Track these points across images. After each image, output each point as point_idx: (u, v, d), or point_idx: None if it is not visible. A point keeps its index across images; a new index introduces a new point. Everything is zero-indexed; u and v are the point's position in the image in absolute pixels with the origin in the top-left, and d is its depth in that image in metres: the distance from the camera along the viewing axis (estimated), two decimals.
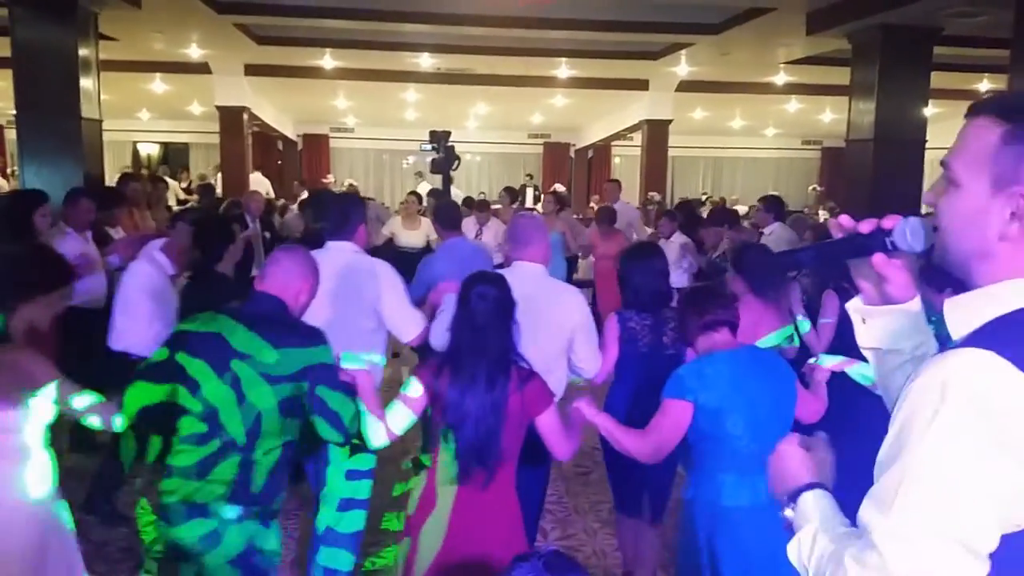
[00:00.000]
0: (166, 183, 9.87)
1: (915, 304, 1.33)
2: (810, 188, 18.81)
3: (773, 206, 6.91)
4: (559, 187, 14.84)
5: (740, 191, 20.92)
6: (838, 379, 2.97)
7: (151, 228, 6.68)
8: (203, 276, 4.02)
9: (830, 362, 2.96)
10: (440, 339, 3.01)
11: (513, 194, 8.97)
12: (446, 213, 4.96)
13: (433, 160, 7.23)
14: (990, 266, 1.11)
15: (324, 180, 18.07)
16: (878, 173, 8.12)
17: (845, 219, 1.35)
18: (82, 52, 7.24)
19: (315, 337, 2.50)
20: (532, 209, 14.58)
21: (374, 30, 10.27)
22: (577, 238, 8.32)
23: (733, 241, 6.15)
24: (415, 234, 8.30)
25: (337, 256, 3.34)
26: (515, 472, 2.63)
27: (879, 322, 1.36)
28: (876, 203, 7.93)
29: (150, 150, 20.66)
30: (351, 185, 16.95)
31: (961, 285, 1.15)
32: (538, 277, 3.32)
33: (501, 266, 4.76)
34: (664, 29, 9.94)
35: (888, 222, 1.27)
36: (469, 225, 8.07)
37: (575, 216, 10.38)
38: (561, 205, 8.78)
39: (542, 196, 9.12)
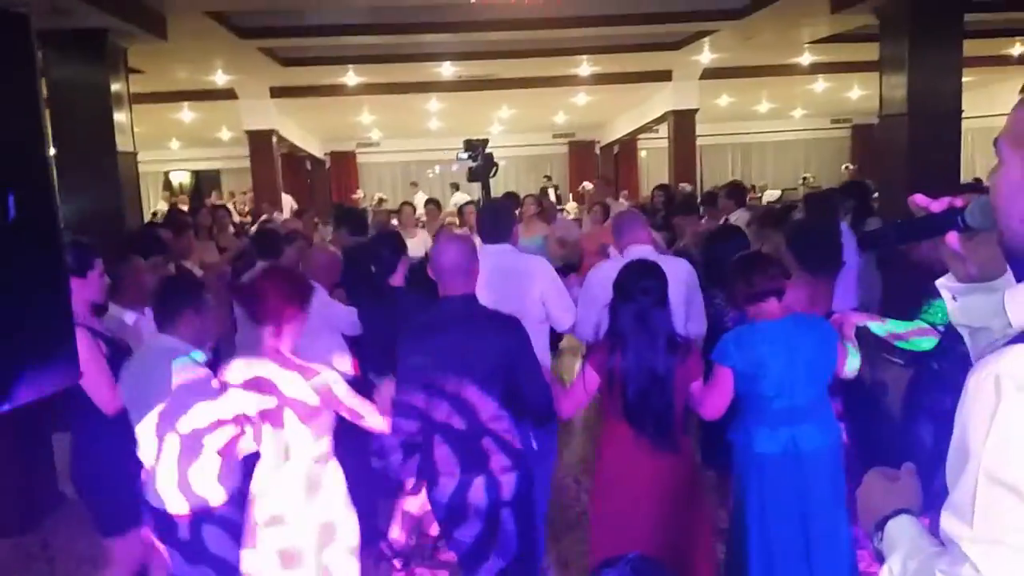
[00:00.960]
0: (227, 209, 9.86)
1: (1005, 282, 1.30)
2: (843, 167, 18.53)
3: (734, 193, 7.23)
4: (587, 185, 14.80)
5: (771, 175, 20.72)
6: None
7: (216, 258, 6.64)
8: (377, 291, 4.03)
9: (852, 317, 3.31)
10: (586, 331, 3.44)
11: (516, 200, 8.76)
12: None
13: (470, 169, 7.15)
14: None
15: (353, 196, 18.24)
16: (914, 147, 7.94)
17: (920, 198, 1.32)
18: (114, 87, 7.37)
19: (512, 325, 2.82)
20: (561, 209, 14.53)
21: (395, 43, 10.33)
22: (566, 246, 7.67)
23: (693, 232, 6.27)
24: (413, 243, 8.08)
25: (498, 258, 3.56)
26: (682, 434, 2.99)
27: (968, 300, 1.33)
28: (913, 178, 7.76)
29: (182, 178, 21.00)
30: (381, 199, 17.08)
31: None
32: (651, 257, 3.59)
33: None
34: (686, 18, 9.85)
35: (960, 200, 1.24)
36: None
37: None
38: (541, 207, 8.30)
39: (541, 198, 8.72)
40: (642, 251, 3.71)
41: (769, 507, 3.01)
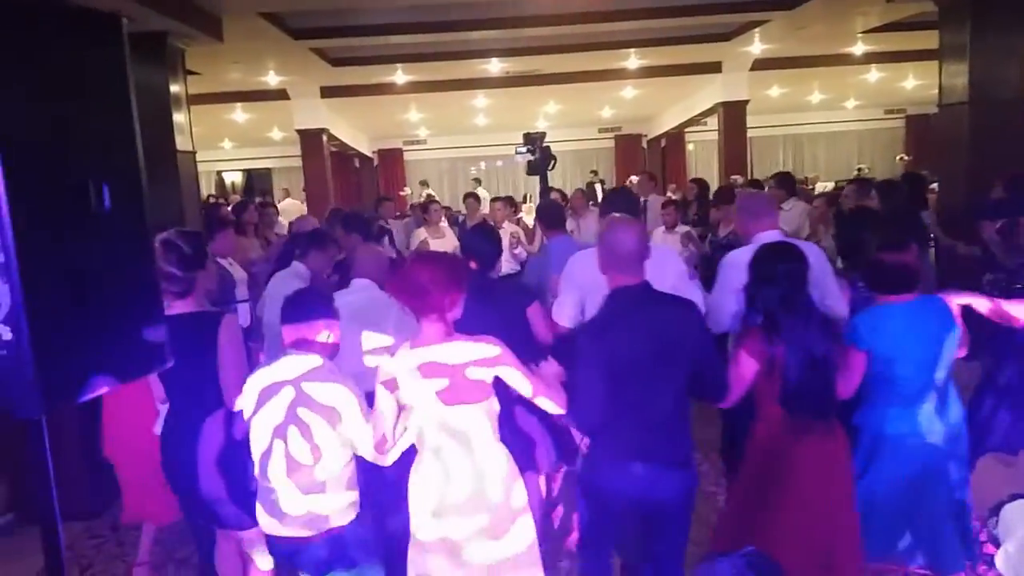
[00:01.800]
0: (275, 207, 9.80)
1: None
2: (897, 158, 18.17)
3: (784, 182, 7.37)
4: (635, 179, 14.73)
5: (823, 167, 20.38)
6: None
7: (257, 255, 6.59)
8: (482, 284, 3.84)
9: (956, 296, 3.25)
10: (723, 320, 3.45)
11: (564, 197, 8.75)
12: (549, 213, 4.98)
13: (529, 162, 7.16)
14: None
15: (401, 193, 18.41)
16: (975, 137, 7.75)
17: None
18: (173, 88, 7.56)
19: (693, 309, 2.81)
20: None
21: (443, 41, 10.42)
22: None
23: (730, 221, 6.21)
24: (442, 242, 7.81)
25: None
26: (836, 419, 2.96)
27: None
28: (974, 168, 7.59)
29: (234, 178, 21.43)
30: (428, 195, 17.24)
31: None
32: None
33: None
34: (736, 9, 9.75)
35: None
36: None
37: None
38: (515, 208, 8.18)
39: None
40: (772, 237, 3.58)
41: (891, 490, 3.02)
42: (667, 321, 2.70)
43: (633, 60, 12.61)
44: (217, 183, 20.75)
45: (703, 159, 20.12)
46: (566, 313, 3.62)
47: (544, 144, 6.23)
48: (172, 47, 7.58)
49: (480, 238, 4.03)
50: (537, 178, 7.39)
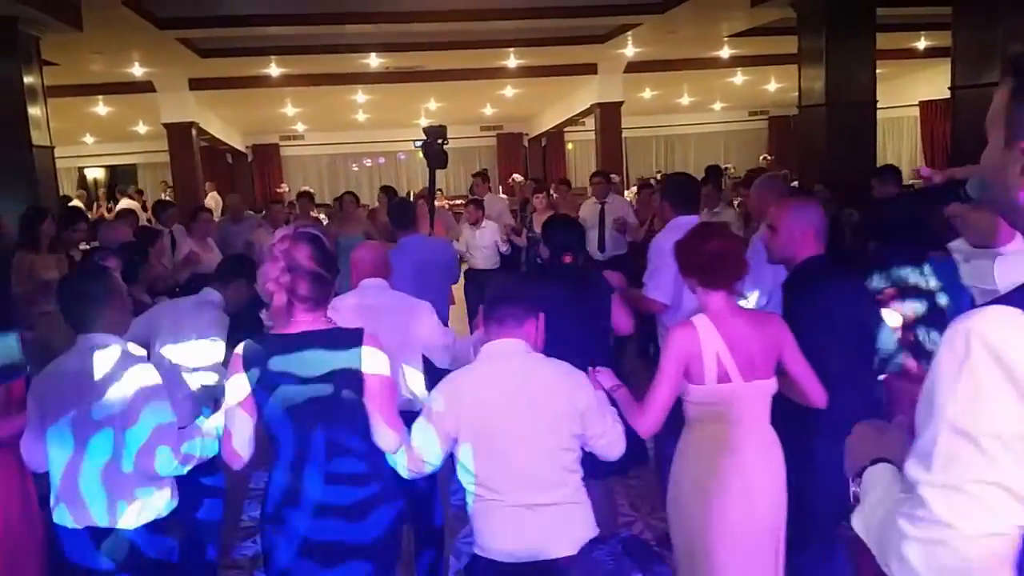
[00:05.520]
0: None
1: (1012, 248, 1.36)
2: (761, 157, 19.04)
3: (606, 177, 8.06)
4: (517, 177, 14.88)
5: (694, 166, 21.15)
6: None
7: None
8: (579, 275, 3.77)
9: None
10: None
11: (391, 193, 8.77)
12: (400, 213, 4.79)
13: (429, 156, 7.04)
14: None
15: (278, 190, 17.87)
16: (832, 137, 8.26)
17: (925, 170, 1.41)
18: (27, 80, 7.09)
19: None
20: None
21: (318, 34, 10.19)
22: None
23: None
24: (211, 257, 6.63)
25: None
26: None
27: (977, 263, 1.42)
28: (831, 166, 8.08)
29: (96, 174, 20.26)
30: (306, 191, 16.80)
31: None
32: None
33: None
34: (610, 12, 10.00)
35: (961, 173, 1.32)
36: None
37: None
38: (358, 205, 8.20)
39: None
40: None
41: None
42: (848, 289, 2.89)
43: (512, 59, 12.73)
44: (79, 180, 19.56)
45: (582, 158, 20.51)
46: (666, 289, 3.59)
47: (430, 141, 6.15)
48: (24, 35, 7.09)
49: (567, 229, 3.66)
50: (434, 173, 7.25)
